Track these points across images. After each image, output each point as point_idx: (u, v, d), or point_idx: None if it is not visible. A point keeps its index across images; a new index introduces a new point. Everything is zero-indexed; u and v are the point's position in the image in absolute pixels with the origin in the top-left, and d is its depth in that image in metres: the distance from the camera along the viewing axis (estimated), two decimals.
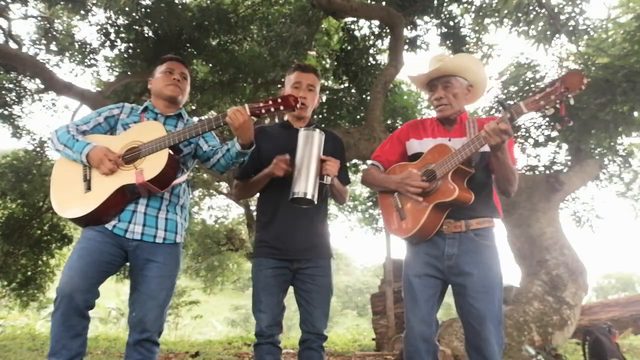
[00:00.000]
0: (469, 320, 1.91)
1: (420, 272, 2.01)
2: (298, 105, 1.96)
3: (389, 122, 8.24)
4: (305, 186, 1.95)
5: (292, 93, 2.20)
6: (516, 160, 2.09)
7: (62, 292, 1.86)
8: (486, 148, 1.97)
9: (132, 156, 2.02)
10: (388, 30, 7.23)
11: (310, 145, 2.01)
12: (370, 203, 10.45)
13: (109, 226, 1.99)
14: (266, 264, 2.13)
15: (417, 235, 1.98)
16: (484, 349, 1.85)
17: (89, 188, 2.00)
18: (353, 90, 8.07)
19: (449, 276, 1.98)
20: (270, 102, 1.96)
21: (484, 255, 1.95)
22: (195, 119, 2.13)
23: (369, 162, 2.31)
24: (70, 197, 2.03)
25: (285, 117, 2.35)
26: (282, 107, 1.95)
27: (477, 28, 7.67)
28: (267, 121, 2.10)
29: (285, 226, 2.13)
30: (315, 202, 1.97)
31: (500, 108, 1.83)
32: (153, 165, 1.97)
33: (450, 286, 2.04)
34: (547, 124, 6.71)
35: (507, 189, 1.98)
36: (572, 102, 1.63)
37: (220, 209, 15.07)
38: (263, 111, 1.96)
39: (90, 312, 1.95)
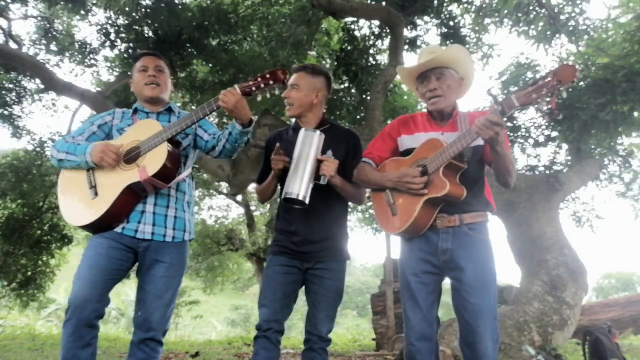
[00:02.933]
0: (463, 316, 1.88)
1: (417, 269, 1.98)
2: (287, 78, 1.98)
3: (388, 122, 8.23)
4: (299, 187, 1.97)
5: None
6: (509, 145, 2.05)
7: (73, 303, 1.88)
8: (479, 142, 1.95)
9: (132, 155, 2.03)
10: (388, 30, 7.24)
11: (308, 145, 2.02)
12: (370, 203, 10.43)
13: (118, 229, 2.00)
14: (276, 260, 2.15)
15: (409, 230, 1.96)
16: (477, 345, 1.81)
17: (95, 194, 2.01)
18: (353, 90, 8.08)
19: (445, 271, 1.96)
20: (260, 79, 1.97)
21: (479, 250, 1.92)
22: (185, 113, 2.14)
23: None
24: (79, 205, 2.03)
25: (295, 119, 2.35)
26: (271, 82, 1.96)
27: (477, 28, 7.67)
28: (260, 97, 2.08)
29: (300, 226, 2.14)
30: (307, 202, 1.98)
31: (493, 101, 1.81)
32: (154, 160, 1.98)
33: (446, 282, 2.04)
34: (547, 124, 6.71)
35: (507, 180, 1.94)
36: (564, 94, 1.62)
37: (220, 209, 15.10)
38: (253, 89, 1.96)
39: None
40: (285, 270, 2.12)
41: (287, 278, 2.11)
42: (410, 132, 2.12)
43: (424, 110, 2.19)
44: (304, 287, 2.19)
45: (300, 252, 2.13)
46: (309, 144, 2.03)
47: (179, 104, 7.24)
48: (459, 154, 1.87)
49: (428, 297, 1.96)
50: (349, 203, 2.34)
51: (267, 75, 1.96)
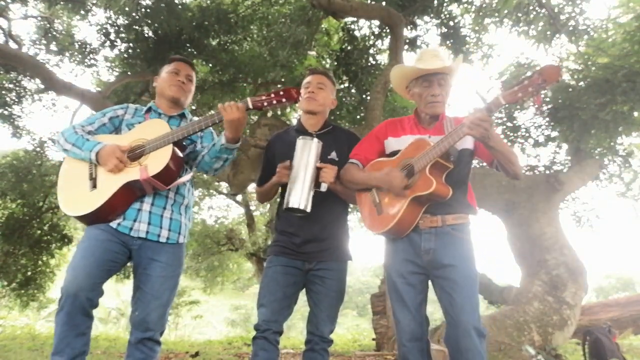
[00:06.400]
0: (449, 312, 1.90)
1: (402, 270, 2.00)
2: (300, 98, 1.99)
3: None
4: (299, 197, 1.99)
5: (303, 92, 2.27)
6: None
7: (66, 292, 1.87)
8: (465, 145, 1.99)
9: (136, 153, 2.03)
10: (388, 30, 7.24)
11: (306, 154, 2.04)
12: None
13: (113, 224, 2.00)
14: (277, 261, 2.16)
15: (394, 229, 1.97)
16: (461, 339, 1.83)
17: (94, 186, 2.02)
18: (353, 90, 8.08)
19: (430, 270, 1.98)
20: (273, 95, 1.98)
21: (462, 248, 1.95)
22: (196, 119, 2.14)
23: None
24: (76, 195, 2.05)
25: (300, 118, 2.37)
26: (284, 100, 1.97)
27: (477, 28, 7.68)
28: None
29: (300, 227, 2.16)
30: (309, 211, 2.01)
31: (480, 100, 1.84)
32: (157, 161, 1.98)
33: (431, 282, 2.04)
34: (547, 123, 6.71)
35: (514, 170, 1.95)
36: (549, 93, 1.69)
37: (220, 209, 15.10)
38: (265, 104, 1.97)
39: None
40: (286, 270, 2.12)
41: (288, 279, 2.11)
42: (397, 134, 2.15)
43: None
44: (305, 288, 2.19)
45: (302, 252, 2.14)
46: (307, 153, 2.05)
47: None
48: (446, 153, 1.89)
49: (416, 297, 1.99)
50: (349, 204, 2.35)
51: (281, 93, 1.97)
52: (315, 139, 2.08)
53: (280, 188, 2.30)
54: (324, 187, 2.05)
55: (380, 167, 2.08)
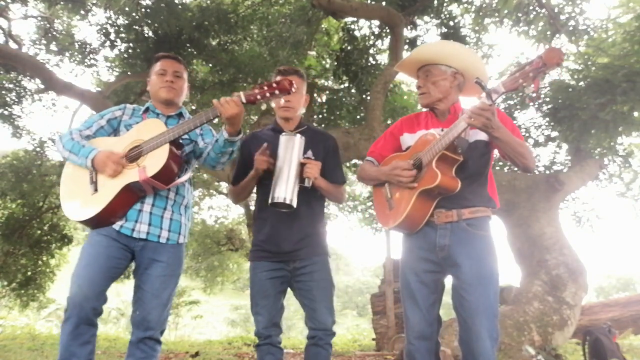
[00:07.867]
0: (460, 313, 1.86)
1: (417, 268, 1.97)
2: (293, 89, 1.94)
3: (389, 122, 8.24)
4: (285, 191, 1.99)
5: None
6: (520, 134, 1.99)
7: (72, 302, 1.89)
8: (478, 136, 1.95)
9: (134, 155, 2.03)
10: (388, 30, 7.24)
11: (290, 150, 2.04)
12: (370, 203, 10.45)
13: (116, 227, 2.01)
14: (260, 267, 2.15)
15: (404, 224, 1.94)
16: (474, 343, 1.79)
17: (95, 190, 2.02)
18: (353, 90, 8.08)
19: (446, 267, 1.94)
20: (266, 88, 1.94)
21: (477, 246, 1.88)
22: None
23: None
24: (79, 200, 2.06)
25: (276, 120, 2.35)
26: (277, 92, 1.93)
27: (477, 28, 7.68)
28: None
29: (277, 227, 2.15)
30: (295, 206, 2.00)
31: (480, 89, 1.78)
32: (155, 161, 1.98)
33: (448, 281, 2.02)
34: (547, 123, 6.71)
35: (525, 163, 1.87)
36: (547, 77, 1.63)
37: (220, 209, 15.08)
38: (259, 97, 1.94)
39: None
40: (271, 275, 2.12)
41: (275, 282, 2.12)
42: (412, 130, 2.13)
43: (424, 110, 2.20)
44: (291, 288, 2.19)
45: (282, 252, 2.13)
46: (291, 148, 2.05)
47: None
48: (452, 146, 1.85)
49: (428, 297, 1.95)
50: (328, 201, 2.37)
51: (274, 85, 1.93)
52: (298, 135, 2.08)
53: (256, 187, 2.27)
54: (308, 183, 2.05)
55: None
